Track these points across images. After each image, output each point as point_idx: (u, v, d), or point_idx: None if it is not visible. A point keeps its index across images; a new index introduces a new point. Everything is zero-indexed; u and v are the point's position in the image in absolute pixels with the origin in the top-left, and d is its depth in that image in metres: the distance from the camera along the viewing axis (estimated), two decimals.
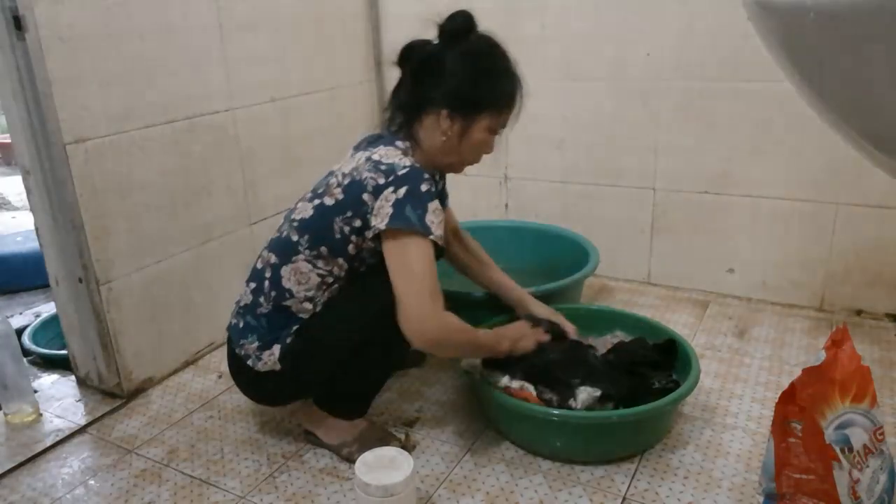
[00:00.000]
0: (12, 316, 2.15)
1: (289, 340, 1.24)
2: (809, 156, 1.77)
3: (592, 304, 1.81)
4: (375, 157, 1.21)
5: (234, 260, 1.82)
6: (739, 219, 1.91)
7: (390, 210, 1.14)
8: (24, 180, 1.47)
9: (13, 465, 1.37)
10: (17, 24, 1.30)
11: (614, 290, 2.08)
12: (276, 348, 1.25)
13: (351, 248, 1.22)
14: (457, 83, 1.21)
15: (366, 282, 1.25)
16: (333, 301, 1.26)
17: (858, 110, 0.73)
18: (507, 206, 2.27)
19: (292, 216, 1.29)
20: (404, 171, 1.16)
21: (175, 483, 1.31)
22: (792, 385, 1.01)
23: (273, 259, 1.27)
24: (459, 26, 1.21)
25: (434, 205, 1.16)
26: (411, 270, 1.14)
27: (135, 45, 1.49)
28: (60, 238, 1.47)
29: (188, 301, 1.71)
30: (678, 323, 1.85)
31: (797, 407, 1.00)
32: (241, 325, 1.29)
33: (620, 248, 2.09)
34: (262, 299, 1.27)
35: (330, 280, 1.25)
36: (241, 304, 1.31)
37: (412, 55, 1.24)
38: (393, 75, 1.30)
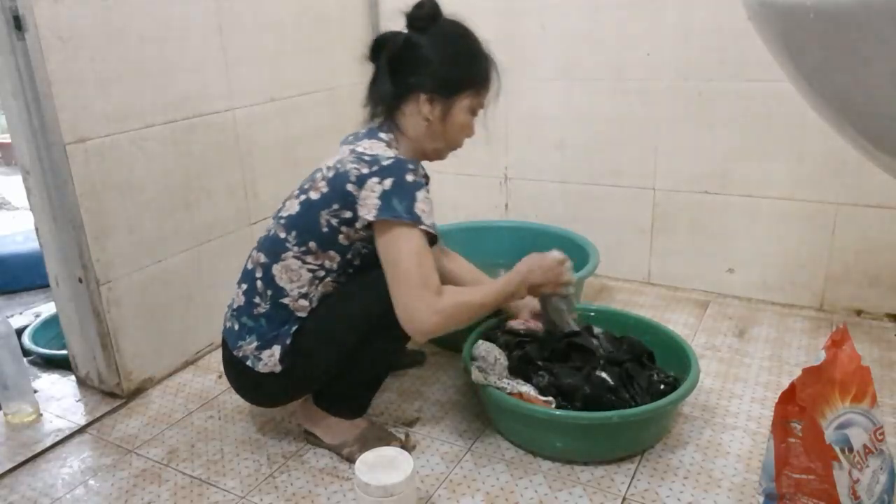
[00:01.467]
0: (12, 316, 2.15)
1: (288, 342, 1.24)
2: (809, 156, 1.77)
3: (592, 304, 1.80)
4: (359, 149, 1.22)
5: (234, 260, 1.81)
6: (739, 219, 1.91)
7: (377, 202, 1.14)
8: (24, 180, 1.47)
9: (13, 465, 1.37)
10: (17, 24, 1.30)
11: (614, 290, 2.08)
12: (277, 349, 1.24)
13: (342, 238, 1.22)
14: (434, 67, 1.23)
15: (361, 279, 1.26)
16: (330, 299, 1.26)
17: (858, 110, 0.73)
18: (507, 206, 2.27)
19: (279, 214, 1.29)
20: (388, 161, 1.17)
21: (175, 483, 1.31)
22: (792, 385, 1.01)
23: (262, 258, 1.27)
24: (427, 13, 1.23)
25: (423, 193, 1.16)
26: (398, 267, 1.15)
27: (135, 44, 1.49)
28: (60, 238, 1.47)
29: (188, 301, 1.71)
30: (678, 323, 1.85)
31: (797, 407, 1.00)
32: (237, 327, 1.29)
33: (620, 248, 2.09)
34: (257, 299, 1.26)
35: (322, 274, 1.24)
36: (235, 306, 1.31)
37: (385, 46, 1.25)
38: None
